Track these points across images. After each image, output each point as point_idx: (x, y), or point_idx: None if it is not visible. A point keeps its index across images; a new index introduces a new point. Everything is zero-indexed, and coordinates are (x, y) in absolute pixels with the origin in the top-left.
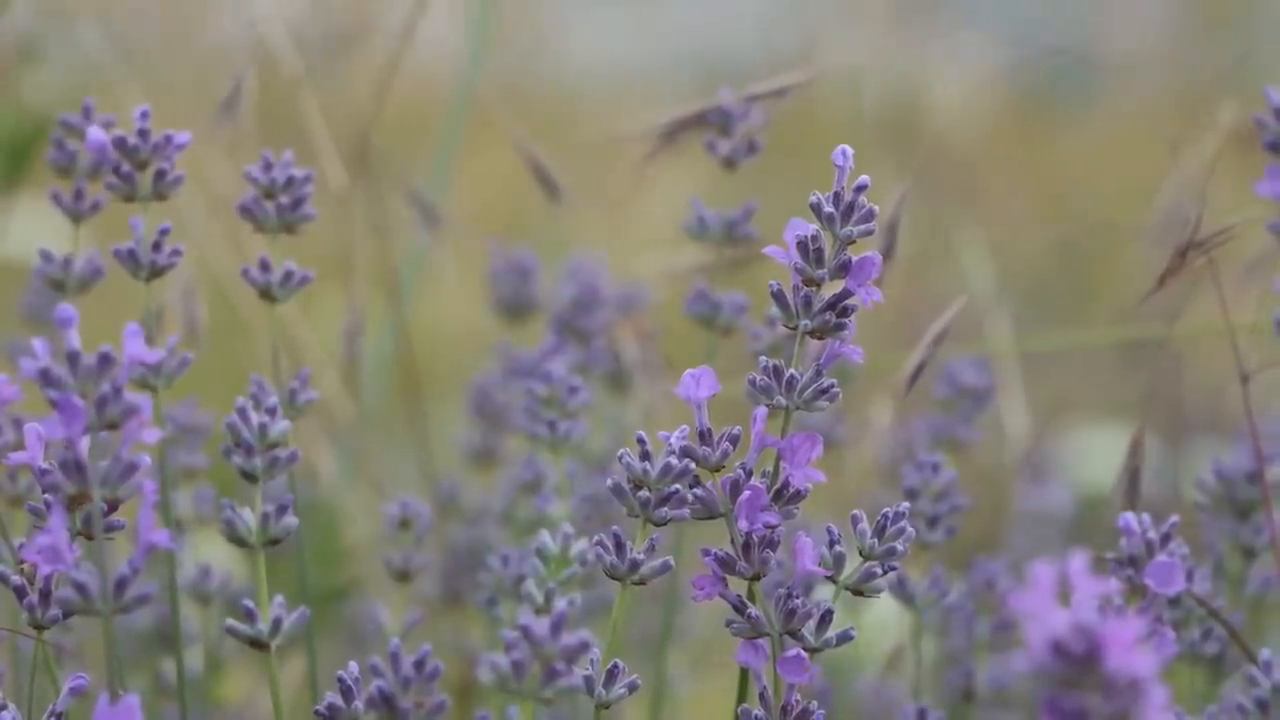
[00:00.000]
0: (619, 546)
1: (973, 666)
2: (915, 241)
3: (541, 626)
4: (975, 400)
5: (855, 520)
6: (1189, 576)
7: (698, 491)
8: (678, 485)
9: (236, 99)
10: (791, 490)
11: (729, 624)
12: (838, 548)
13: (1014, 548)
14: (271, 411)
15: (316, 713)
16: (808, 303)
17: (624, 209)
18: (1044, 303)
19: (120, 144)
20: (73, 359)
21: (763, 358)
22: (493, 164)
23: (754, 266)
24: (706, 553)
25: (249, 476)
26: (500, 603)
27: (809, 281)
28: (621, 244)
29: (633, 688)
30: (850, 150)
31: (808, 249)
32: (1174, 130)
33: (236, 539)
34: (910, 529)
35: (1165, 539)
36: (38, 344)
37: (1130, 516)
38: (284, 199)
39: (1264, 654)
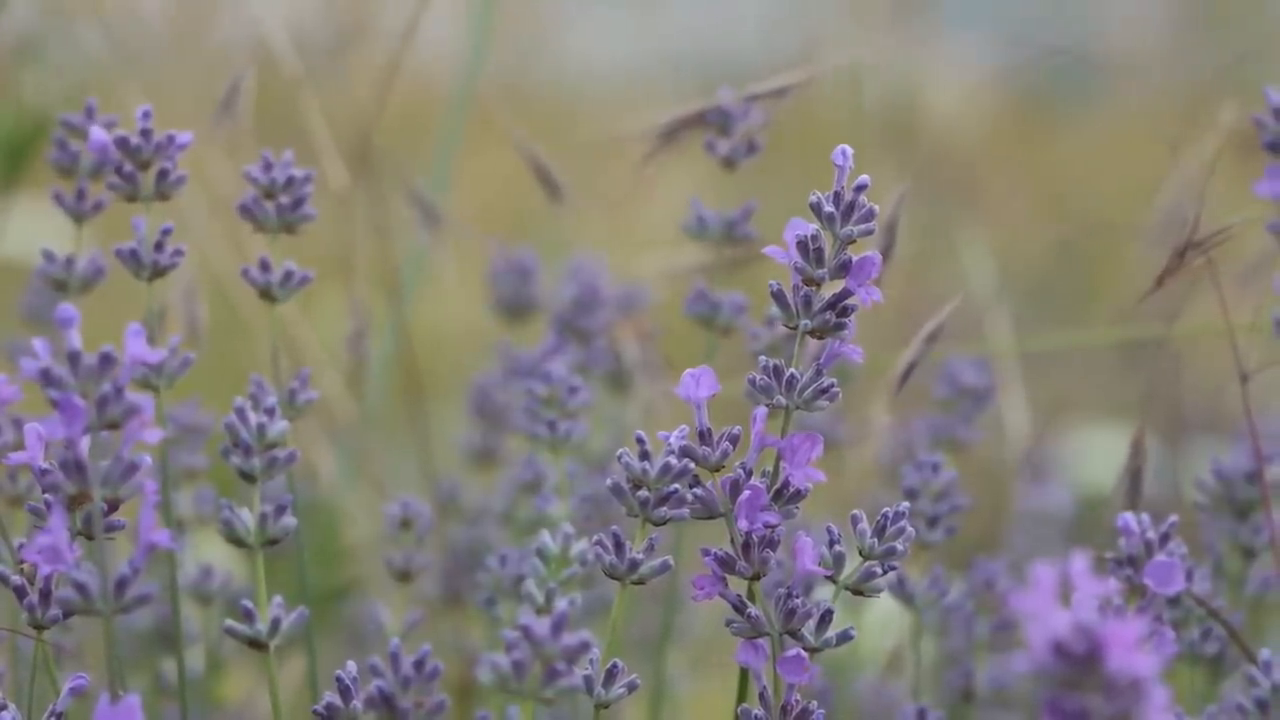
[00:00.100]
0: (618, 546)
1: (972, 667)
2: (915, 241)
3: (542, 626)
4: (975, 400)
5: (855, 520)
6: (1188, 576)
7: (697, 491)
8: (677, 485)
9: (235, 98)
10: (791, 490)
11: (729, 624)
12: (838, 547)
13: (1014, 548)
14: (270, 412)
15: (314, 712)
16: (808, 302)
17: (624, 209)
18: (1044, 303)
19: (123, 144)
20: (74, 359)
21: (763, 357)
22: (493, 164)
23: (754, 266)
24: (706, 552)
25: (247, 477)
26: (500, 603)
27: (809, 281)
28: (622, 244)
29: (632, 687)
30: (850, 150)
31: (808, 249)
32: (1174, 130)
33: (234, 539)
34: (910, 529)
35: (1164, 539)
36: (38, 344)
37: (1129, 516)
38: (284, 199)
39: (1264, 654)
